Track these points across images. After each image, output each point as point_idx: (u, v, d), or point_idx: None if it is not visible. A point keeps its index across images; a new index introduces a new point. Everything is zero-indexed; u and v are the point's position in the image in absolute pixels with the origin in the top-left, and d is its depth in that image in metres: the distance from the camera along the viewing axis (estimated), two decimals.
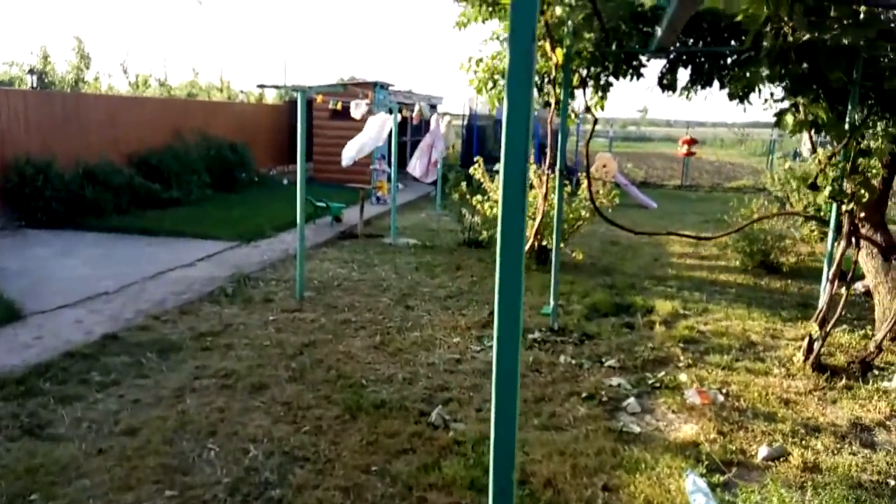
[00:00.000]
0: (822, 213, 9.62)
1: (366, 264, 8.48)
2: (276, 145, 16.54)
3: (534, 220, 7.97)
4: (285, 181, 15.32)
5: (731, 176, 23.51)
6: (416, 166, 10.06)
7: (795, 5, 4.23)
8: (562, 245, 8.13)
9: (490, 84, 6.70)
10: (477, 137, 18.91)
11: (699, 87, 6.42)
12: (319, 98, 7.10)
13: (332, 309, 6.47)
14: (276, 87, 6.97)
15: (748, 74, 4.90)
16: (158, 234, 9.30)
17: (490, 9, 6.46)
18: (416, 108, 10.50)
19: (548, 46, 5.47)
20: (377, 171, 13.62)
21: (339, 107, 8.03)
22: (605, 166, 16.32)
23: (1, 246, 8.60)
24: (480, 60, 6.65)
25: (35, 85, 12.16)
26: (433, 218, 12.71)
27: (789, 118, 5.01)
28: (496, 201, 8.64)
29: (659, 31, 5.55)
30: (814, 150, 5.37)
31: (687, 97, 6.64)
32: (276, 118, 16.87)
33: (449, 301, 6.93)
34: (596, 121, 5.85)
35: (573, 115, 18.78)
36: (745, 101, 6.08)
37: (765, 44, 4.57)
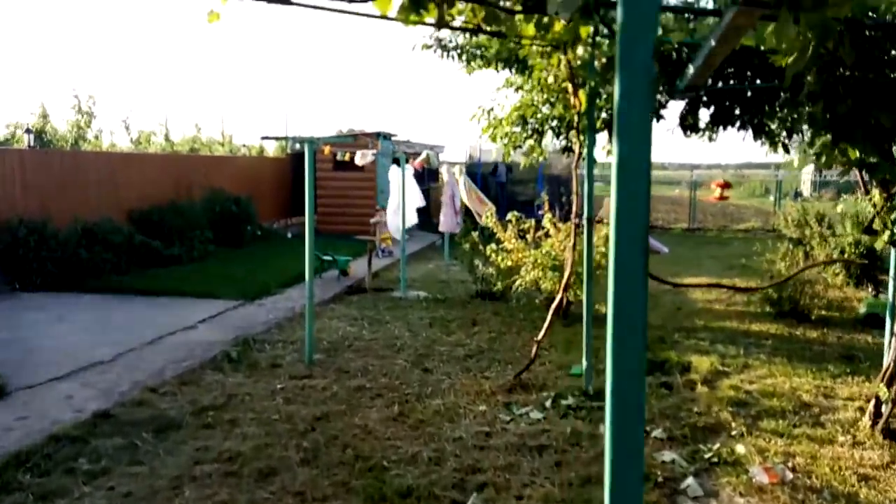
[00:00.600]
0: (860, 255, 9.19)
1: (377, 321, 7.97)
2: (279, 198, 16.25)
3: (557, 271, 7.54)
4: (289, 234, 14.95)
5: (738, 217, 23.17)
6: (443, 222, 9.71)
7: (845, 38, 3.89)
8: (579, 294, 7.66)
9: (503, 132, 6.37)
10: (481, 185, 18.66)
11: (721, 128, 6.07)
12: (327, 149, 6.79)
13: (345, 374, 5.94)
14: (281, 138, 6.68)
15: (794, 116, 4.53)
16: (159, 294, 8.82)
17: (508, 64, 6.19)
18: (423, 154, 10.20)
19: (570, 89, 5.13)
20: (382, 223, 13.23)
21: (347, 157, 7.71)
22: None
23: None
24: (491, 110, 6.33)
25: (32, 144, 11.88)
26: (442, 269, 12.26)
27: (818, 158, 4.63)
28: (510, 252, 8.21)
29: (690, 69, 5.24)
30: (866, 192, 4.95)
31: (709, 138, 6.29)
32: (278, 171, 16.63)
33: (469, 362, 6.40)
34: None
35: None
36: (781, 145, 5.73)
37: (808, 78, 4.21)
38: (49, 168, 10.31)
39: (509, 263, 8.03)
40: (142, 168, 12.03)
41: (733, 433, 4.71)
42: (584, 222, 5.32)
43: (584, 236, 5.34)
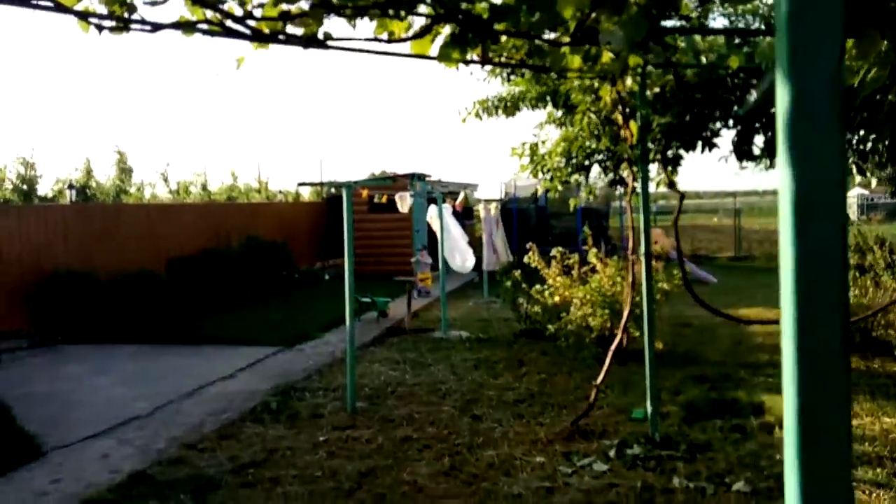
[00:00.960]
0: None
1: (419, 364, 7.63)
2: (315, 241, 16.22)
3: (608, 308, 7.13)
4: (327, 276, 14.82)
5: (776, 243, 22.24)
6: (487, 261, 9.44)
7: None
8: (638, 334, 7.21)
9: (548, 166, 6.09)
10: (517, 221, 18.35)
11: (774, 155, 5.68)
12: (364, 192, 6.61)
13: (389, 423, 5.59)
14: (318, 184, 6.52)
15: (872, 136, 4.14)
16: (198, 343, 8.66)
17: (552, 99, 5.96)
18: (461, 195, 9.97)
19: (619, 121, 4.83)
20: (420, 263, 12.98)
21: (384, 200, 7.51)
22: (656, 242, 15.46)
23: (33, 366, 8.04)
24: (536, 146, 6.07)
25: (74, 198, 12.08)
26: (482, 306, 11.88)
27: None
28: (557, 289, 7.82)
29: (753, 95, 4.90)
30: None
31: (766, 167, 5.92)
32: (314, 215, 16.66)
33: (520, 406, 5.99)
34: (682, 196, 5.09)
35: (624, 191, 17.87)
36: (855, 167, 5.32)
37: (890, 96, 3.84)
38: (91, 221, 10.41)
39: (556, 300, 7.64)
40: (179, 218, 12.11)
41: None
42: (642, 258, 4.94)
43: (643, 272, 4.96)
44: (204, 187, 15.89)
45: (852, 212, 38.56)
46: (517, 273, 8.62)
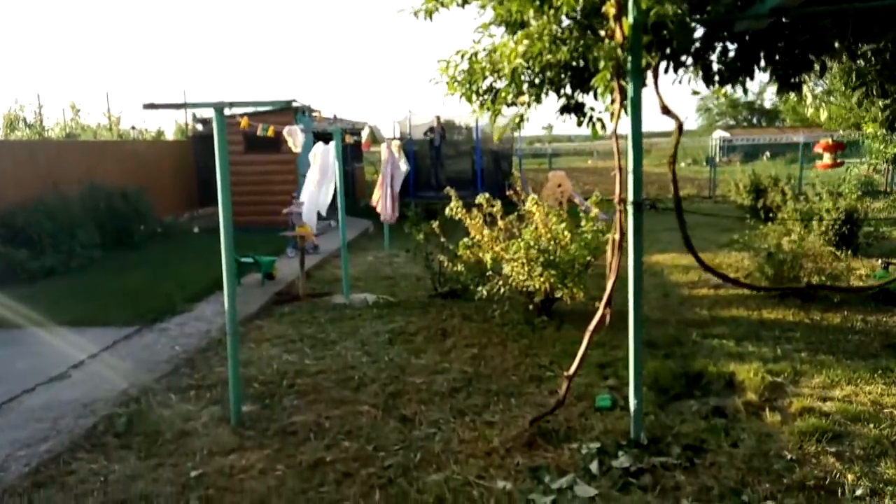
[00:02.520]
0: None
1: (321, 342, 6.12)
2: (181, 188, 13.75)
3: (551, 267, 5.95)
4: (196, 229, 12.56)
5: (667, 186, 22.52)
6: (383, 210, 7.84)
7: None
8: (576, 292, 6.16)
9: (484, 88, 4.64)
10: (414, 164, 16.83)
11: (748, 77, 4.59)
12: (244, 121, 4.87)
13: (290, 438, 4.11)
14: (176, 106, 4.69)
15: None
16: (20, 325, 6.50)
17: None
18: (366, 131, 8.27)
19: (611, 12, 3.47)
20: (295, 214, 10.36)
21: (270, 133, 5.72)
22: (560, 185, 14.63)
23: None
24: (476, 54, 4.56)
25: None
26: (384, 261, 10.43)
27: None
28: (486, 243, 6.53)
29: None
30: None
31: (744, 90, 4.79)
32: (179, 156, 14.08)
33: (458, 398, 4.71)
34: (681, 126, 3.89)
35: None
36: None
37: None
38: None
39: (486, 258, 6.35)
40: None
41: (857, 492, 3.32)
42: (629, 208, 3.72)
43: (629, 227, 3.75)
44: (31, 125, 12.70)
45: (714, 153, 40.89)
46: (434, 224, 7.22)
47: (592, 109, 4.43)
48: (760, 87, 41.98)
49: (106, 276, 8.38)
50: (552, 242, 6.09)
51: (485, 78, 4.62)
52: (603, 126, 4.46)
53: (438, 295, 7.79)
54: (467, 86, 4.66)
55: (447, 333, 6.31)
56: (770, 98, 41.58)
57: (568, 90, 4.58)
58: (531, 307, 6.49)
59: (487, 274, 6.73)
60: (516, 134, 17.35)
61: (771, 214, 12.21)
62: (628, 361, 4.04)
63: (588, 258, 6.12)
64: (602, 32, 3.89)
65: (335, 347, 5.93)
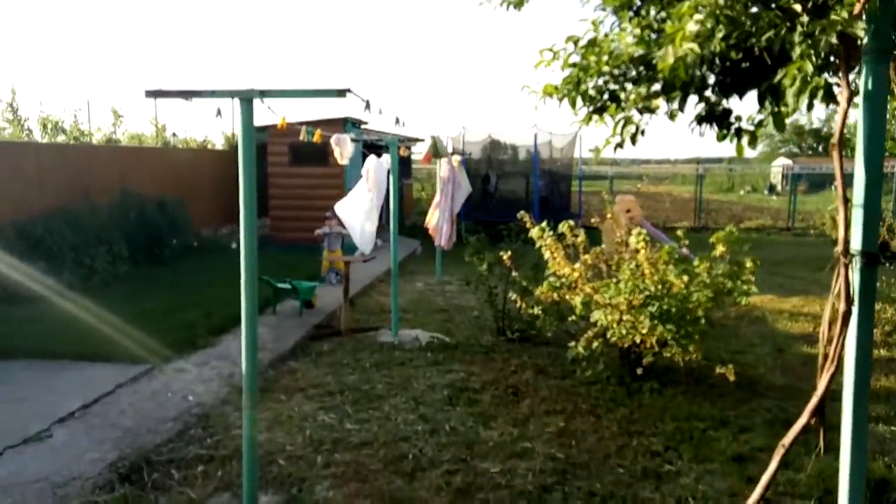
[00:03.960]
0: None
1: (365, 396, 4.90)
2: (222, 200, 12.87)
3: (670, 322, 4.63)
4: (234, 244, 11.61)
5: (736, 215, 20.68)
6: (441, 234, 6.66)
7: None
8: (693, 350, 4.81)
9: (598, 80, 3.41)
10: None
11: None
12: (282, 122, 3.79)
13: None
14: (187, 94, 3.63)
15: None
16: (11, 355, 5.47)
17: None
18: (428, 142, 7.12)
19: None
20: (330, 235, 8.80)
21: (317, 138, 4.61)
22: (628, 211, 13.20)
23: None
24: (594, 41, 3.34)
25: None
26: (435, 289, 9.23)
27: None
28: (574, 282, 5.23)
29: None
30: None
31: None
32: (221, 166, 13.23)
33: (550, 503, 3.41)
34: None
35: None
36: None
37: None
38: None
39: (576, 301, 5.04)
40: (20, 164, 8.55)
41: None
42: (856, 260, 2.40)
43: (855, 285, 2.42)
44: (73, 128, 12.01)
45: (777, 181, 38.52)
46: (504, 253, 5.97)
47: (739, 119, 3.19)
48: (827, 114, 39.48)
49: (126, 298, 7.39)
50: (660, 287, 4.76)
51: (601, 74, 3.39)
52: (753, 140, 3.17)
53: (501, 333, 6.53)
54: (571, 86, 3.44)
55: (520, 393, 5.03)
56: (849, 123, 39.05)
57: (709, 93, 3.31)
58: (624, 363, 5.14)
59: (570, 319, 5.44)
60: (575, 154, 16.02)
61: (888, 254, 10.61)
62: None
63: (709, 308, 4.76)
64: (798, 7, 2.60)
65: (383, 406, 4.71)
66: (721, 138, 3.61)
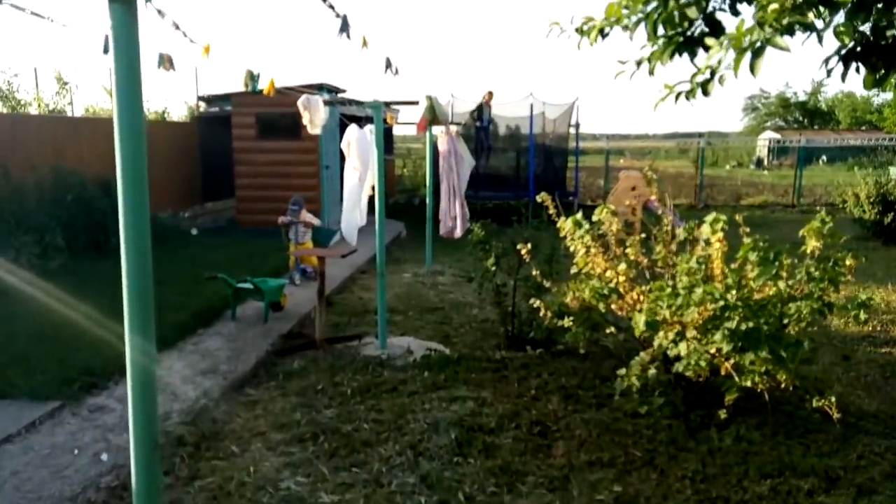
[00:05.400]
0: None
1: (347, 444, 3.64)
2: (182, 179, 11.38)
3: (761, 349, 3.43)
4: (195, 230, 10.18)
5: (734, 191, 19.58)
6: (455, 221, 5.40)
7: None
8: (785, 378, 3.64)
9: None
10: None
11: None
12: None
13: None
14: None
15: None
16: None
17: None
18: (424, 104, 5.78)
19: None
20: (297, 226, 7.26)
21: (269, 89, 3.29)
22: (633, 188, 11.98)
23: None
24: None
25: None
26: (426, 281, 7.95)
27: None
28: (618, 284, 4.00)
29: None
30: None
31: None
32: (180, 141, 11.69)
33: None
34: None
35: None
36: None
37: None
38: None
39: (619, 308, 3.80)
40: None
41: None
42: None
43: None
44: (4, 95, 10.35)
45: (764, 156, 37.66)
46: (523, 247, 4.70)
47: None
48: (813, 86, 38.62)
49: (52, 301, 5.97)
50: (739, 292, 3.54)
51: None
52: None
53: (511, 340, 5.32)
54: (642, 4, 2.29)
55: (550, 433, 3.81)
56: (825, 97, 38.30)
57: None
58: (687, 395, 3.93)
59: (609, 332, 4.22)
60: (572, 125, 14.63)
61: None
62: None
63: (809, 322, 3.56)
64: None
65: (371, 460, 3.46)
66: (873, 84, 2.46)
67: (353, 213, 5.03)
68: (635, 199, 11.93)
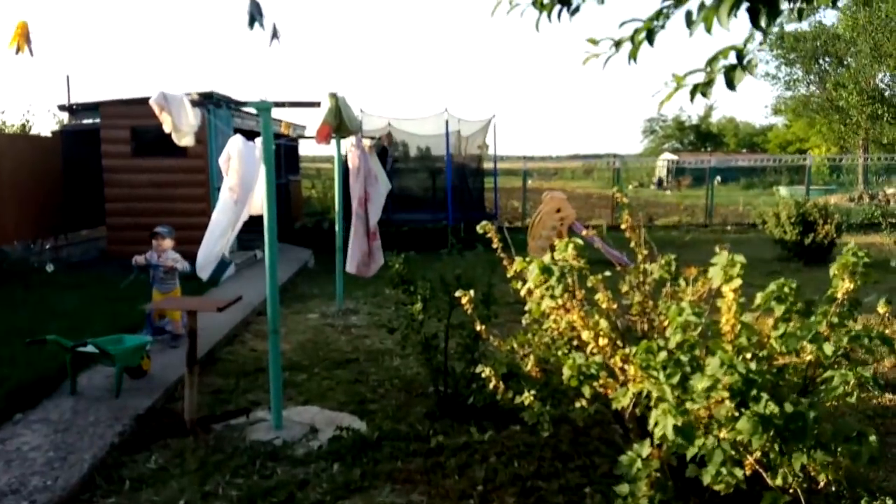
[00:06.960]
0: None
1: None
2: (40, 203, 9.40)
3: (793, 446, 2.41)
4: (50, 266, 8.27)
5: (646, 212, 19.46)
6: (351, 255, 4.22)
7: None
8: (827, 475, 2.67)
9: None
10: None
11: None
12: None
13: None
14: None
15: None
16: None
17: None
18: (327, 104, 4.51)
19: None
20: (156, 268, 5.46)
21: (13, 42, 2.04)
22: (558, 211, 11.24)
23: None
24: None
25: None
26: (335, 324, 6.63)
27: None
28: (597, 351, 2.94)
29: None
30: None
31: None
32: (38, 159, 9.68)
33: None
34: None
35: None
36: None
37: None
38: None
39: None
40: None
41: None
42: None
43: None
44: None
45: (664, 176, 39.04)
46: (463, 296, 3.55)
47: None
48: (705, 109, 40.77)
49: None
50: (759, 365, 2.57)
51: None
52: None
53: (440, 404, 4.18)
54: None
55: None
56: (716, 120, 40.49)
57: None
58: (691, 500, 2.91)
59: (578, 406, 3.16)
60: (489, 141, 13.79)
61: (829, 255, 9.44)
62: None
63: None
64: None
65: None
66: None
67: (216, 243, 3.77)
68: (560, 221, 11.29)
